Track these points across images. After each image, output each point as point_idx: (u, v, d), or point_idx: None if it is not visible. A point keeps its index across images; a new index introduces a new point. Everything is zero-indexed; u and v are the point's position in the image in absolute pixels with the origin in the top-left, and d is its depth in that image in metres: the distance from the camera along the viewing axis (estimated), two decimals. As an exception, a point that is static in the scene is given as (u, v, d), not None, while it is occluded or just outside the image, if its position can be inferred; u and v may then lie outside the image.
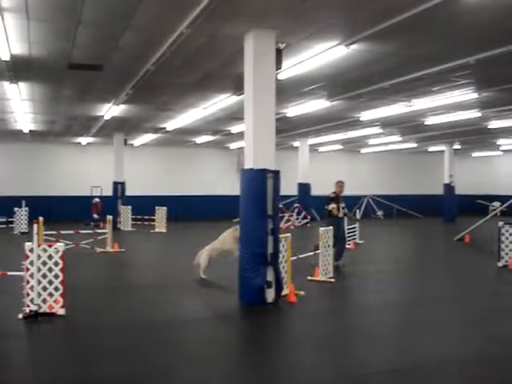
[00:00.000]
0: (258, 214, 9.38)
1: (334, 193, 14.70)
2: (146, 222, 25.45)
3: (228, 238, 12.18)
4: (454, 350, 7.10)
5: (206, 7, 8.08)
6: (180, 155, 32.05)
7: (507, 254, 13.96)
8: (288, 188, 26.81)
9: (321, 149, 33.30)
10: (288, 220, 26.87)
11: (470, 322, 8.70)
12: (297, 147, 30.11)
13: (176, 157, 32.05)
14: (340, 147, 32.41)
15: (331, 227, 12.52)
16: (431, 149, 34.40)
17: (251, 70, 9.76)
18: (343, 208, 14.38)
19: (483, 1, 8.00)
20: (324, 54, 10.83)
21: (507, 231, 14.05)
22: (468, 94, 15.39)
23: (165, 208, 24.27)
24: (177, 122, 21.20)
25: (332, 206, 14.33)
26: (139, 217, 26.04)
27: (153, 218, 24.89)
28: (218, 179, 31.69)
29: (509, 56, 10.93)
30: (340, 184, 14.92)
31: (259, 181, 9.41)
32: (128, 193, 26.55)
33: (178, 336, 7.83)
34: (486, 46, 10.63)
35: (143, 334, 7.82)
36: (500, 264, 13.95)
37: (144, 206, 25.98)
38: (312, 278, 11.78)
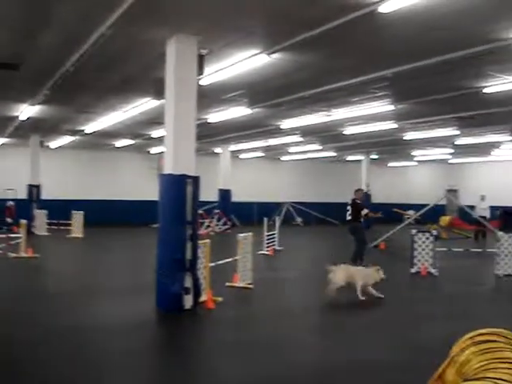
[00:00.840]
0: (176, 219, 9.31)
1: (356, 199, 15.44)
2: (62, 227, 24.72)
3: (373, 275, 11.29)
4: (365, 355, 7.25)
5: (128, 10, 7.97)
6: (99, 159, 31.35)
7: (419, 260, 14.44)
8: (209, 194, 26.87)
9: (242, 155, 33.48)
10: (208, 226, 26.80)
11: (382, 328, 8.92)
12: (218, 153, 30.14)
13: (95, 160, 31.33)
14: (261, 154, 32.69)
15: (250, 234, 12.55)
16: (349, 158, 35.24)
17: (172, 75, 9.70)
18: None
19: (400, 16, 8.26)
20: (245, 61, 10.91)
21: (420, 239, 14.54)
22: (385, 106, 15.89)
23: (82, 212, 23.67)
24: (96, 124, 20.77)
25: (366, 210, 15.38)
26: (55, 221, 25.26)
27: (69, 222, 24.21)
28: (137, 184, 31.22)
29: (423, 70, 11.37)
30: (360, 191, 16.56)
31: (178, 186, 9.35)
32: (44, 196, 25.76)
33: (88, 345, 7.55)
34: (403, 60, 11.01)
35: (51, 343, 7.52)
36: (413, 270, 14.41)
37: (60, 210, 25.24)
38: (231, 285, 11.78)
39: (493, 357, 3.67)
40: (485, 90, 13.37)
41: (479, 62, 11.06)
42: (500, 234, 14.55)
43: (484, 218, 22.99)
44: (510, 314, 10.10)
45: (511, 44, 9.47)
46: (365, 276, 11.24)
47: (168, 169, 9.60)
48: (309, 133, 22.38)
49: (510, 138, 22.85)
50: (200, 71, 10.15)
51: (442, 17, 8.40)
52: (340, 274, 11.05)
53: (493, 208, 26.46)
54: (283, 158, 35.25)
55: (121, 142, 26.99)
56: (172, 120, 9.64)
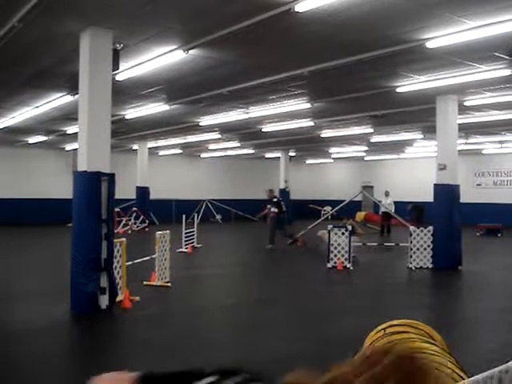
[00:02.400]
0: (91, 217, 9.08)
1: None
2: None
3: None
4: (281, 349, 7.33)
5: (40, 1, 7.72)
6: (11, 156, 30.06)
7: (336, 255, 14.76)
8: (126, 191, 26.41)
9: (160, 152, 33.11)
10: (126, 224, 26.36)
11: (298, 322, 9.06)
12: (136, 150, 29.68)
13: (6, 157, 30.01)
14: (180, 151, 32.45)
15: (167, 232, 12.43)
16: (268, 155, 35.55)
17: (87, 70, 9.45)
18: None
19: (316, 16, 8.38)
20: (163, 57, 10.78)
21: (335, 234, 14.86)
22: (302, 104, 16.11)
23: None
24: (7, 120, 19.97)
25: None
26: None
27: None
28: (52, 181, 30.23)
29: (339, 69, 11.61)
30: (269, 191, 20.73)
31: (93, 184, 9.12)
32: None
33: (0, 350, 7.25)
34: (319, 59, 11.20)
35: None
36: (329, 265, 14.71)
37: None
38: (148, 283, 11.63)
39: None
40: (398, 90, 13.80)
41: (392, 62, 11.40)
42: (412, 228, 15.06)
43: (388, 213, 23.75)
44: (422, 305, 10.48)
45: (422, 45, 9.81)
46: None
47: (82, 166, 9.36)
48: (227, 130, 22.41)
49: (421, 136, 23.70)
50: (115, 66, 9.95)
51: (356, 17, 8.59)
52: None
53: (404, 203, 27.44)
54: (202, 155, 35.15)
55: (34, 139, 26.08)
56: (86, 116, 9.40)
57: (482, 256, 18.10)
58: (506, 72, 11.74)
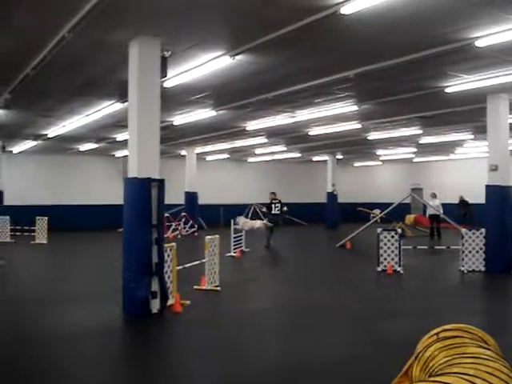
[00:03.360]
0: (141, 223, 9.23)
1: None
2: (26, 233, 24.29)
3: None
4: (332, 352, 7.31)
5: (89, 12, 7.90)
6: (63, 163, 30.82)
7: (385, 259, 14.61)
8: (175, 197, 26.74)
9: (208, 158, 33.41)
10: (175, 229, 26.67)
11: (349, 325, 9.00)
12: (184, 156, 30.02)
13: (58, 165, 30.80)
14: (227, 156, 32.66)
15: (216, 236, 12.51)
16: (315, 158, 35.44)
17: (135, 78, 9.64)
18: None
19: (362, 18, 8.33)
20: (209, 63, 10.88)
21: (385, 237, 14.71)
22: (349, 107, 16.01)
23: (46, 218, 23.28)
24: (59, 128, 20.48)
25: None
26: (19, 227, 24.79)
27: (33, 228, 23.79)
28: (102, 188, 30.85)
29: (386, 71, 11.50)
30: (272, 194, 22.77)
31: (143, 190, 9.27)
32: (7, 202, 25.30)
33: (52, 354, 7.37)
34: (365, 61, 11.14)
35: (16, 354, 7.27)
36: (379, 269, 14.57)
37: (24, 216, 24.78)
38: (198, 288, 11.74)
39: (457, 352, 3.73)
40: (446, 90, 13.58)
41: (440, 62, 11.24)
42: (463, 230, 14.79)
43: (437, 216, 23.34)
44: (475, 309, 10.29)
45: (471, 44, 9.64)
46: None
47: (132, 172, 9.52)
48: (274, 134, 22.45)
49: (472, 136, 23.25)
50: (163, 73, 10.09)
51: (402, 18, 8.50)
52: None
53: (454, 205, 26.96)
54: (249, 159, 35.29)
55: (85, 146, 26.68)
56: (135, 123, 9.56)
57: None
58: (559, 69, 11.43)
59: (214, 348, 7.64)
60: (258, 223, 21.58)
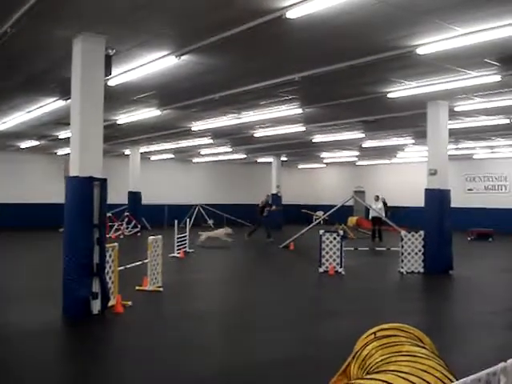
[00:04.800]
0: (83, 222, 9.09)
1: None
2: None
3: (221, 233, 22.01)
4: (274, 352, 7.37)
5: (32, 7, 7.75)
6: (2, 160, 29.99)
7: (327, 260, 14.80)
8: (118, 196, 26.43)
9: (153, 157, 33.13)
10: (118, 229, 26.34)
11: (291, 326, 9.08)
12: (128, 155, 29.68)
13: (-3, 162, 29.98)
14: (172, 156, 32.46)
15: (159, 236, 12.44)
16: (260, 160, 35.62)
17: (79, 75, 9.48)
18: None
19: (307, 22, 8.44)
20: (155, 63, 10.83)
21: (327, 239, 14.91)
22: (293, 109, 16.18)
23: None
24: (-1, 124, 19.96)
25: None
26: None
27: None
28: (44, 186, 30.11)
29: (330, 75, 11.68)
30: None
31: (85, 189, 9.14)
32: None
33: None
34: (310, 65, 11.29)
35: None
36: (321, 270, 14.75)
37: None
38: (140, 288, 11.64)
39: (394, 350, 3.83)
40: (389, 95, 13.89)
41: (383, 68, 11.50)
42: (403, 233, 15.13)
43: (379, 218, 23.72)
44: (413, 309, 10.55)
45: (413, 51, 9.89)
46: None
47: (74, 171, 9.37)
48: (219, 135, 22.46)
49: (412, 141, 23.82)
50: (107, 72, 9.97)
51: (347, 24, 8.66)
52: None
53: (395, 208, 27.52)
54: (194, 159, 35.18)
55: (26, 143, 26.03)
56: (78, 121, 9.41)
57: (473, 260, 18.21)
58: (496, 78, 11.85)
59: (154, 349, 7.58)
60: (219, 232, 22.85)
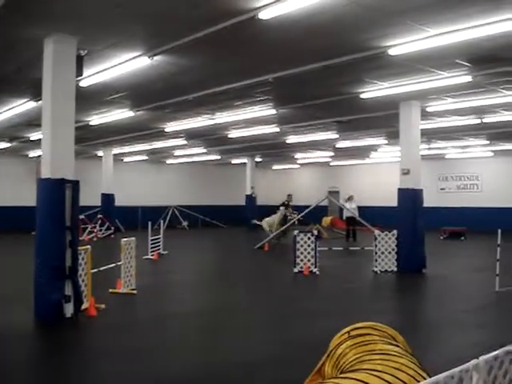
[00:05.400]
0: (54, 225, 8.98)
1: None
2: None
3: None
4: (250, 353, 7.36)
5: (2, 7, 7.64)
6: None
7: (302, 260, 14.84)
8: (91, 198, 26.18)
9: (126, 159, 32.88)
10: (91, 232, 26.10)
11: (266, 326, 9.09)
12: (101, 157, 29.43)
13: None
14: (145, 157, 32.26)
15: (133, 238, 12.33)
16: (234, 161, 35.60)
17: (50, 76, 9.37)
18: None
19: (280, 23, 8.46)
20: (127, 63, 10.75)
21: (302, 239, 14.95)
22: (267, 110, 16.20)
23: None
24: (-32, 126, 19.63)
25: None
26: None
27: None
28: (15, 189, 29.70)
29: (304, 76, 11.71)
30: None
31: (56, 191, 9.02)
32: None
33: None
34: (284, 66, 11.30)
35: None
36: (296, 270, 14.78)
37: None
38: (114, 291, 11.54)
39: (367, 349, 3.85)
40: (362, 96, 13.98)
41: (356, 69, 11.56)
42: (376, 232, 15.23)
43: (353, 218, 23.83)
44: (387, 308, 10.63)
45: (385, 52, 9.97)
46: None
47: (46, 173, 9.25)
48: (193, 136, 22.39)
49: (385, 141, 24.01)
50: (79, 72, 9.89)
51: (320, 25, 8.69)
52: None
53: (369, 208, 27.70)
54: (168, 161, 35.02)
55: (-4, 145, 25.66)
56: (49, 122, 9.30)
57: (445, 259, 18.39)
58: (467, 78, 11.99)
59: (127, 351, 7.53)
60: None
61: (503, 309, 10.46)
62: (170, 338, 8.25)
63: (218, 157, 32.08)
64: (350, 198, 25.38)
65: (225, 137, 22.36)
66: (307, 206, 22.31)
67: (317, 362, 4.45)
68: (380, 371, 3.37)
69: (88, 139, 22.63)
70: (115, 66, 11.01)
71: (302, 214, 22.37)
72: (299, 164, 38.62)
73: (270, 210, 34.24)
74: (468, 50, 10.08)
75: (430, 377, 3.07)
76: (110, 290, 11.55)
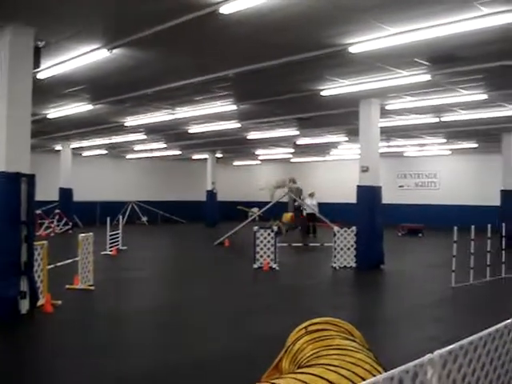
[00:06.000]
0: (9, 220, 8.78)
1: None
2: None
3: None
4: (210, 349, 7.33)
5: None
6: None
7: (262, 256, 14.86)
8: (49, 193, 25.74)
9: (85, 153, 32.38)
10: (48, 227, 25.65)
11: (226, 322, 9.07)
12: (59, 150, 28.93)
13: None
14: (105, 152, 31.83)
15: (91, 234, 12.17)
16: (195, 156, 35.43)
17: (6, 67, 9.13)
18: None
19: (241, 18, 8.42)
20: (86, 55, 10.56)
21: (262, 235, 14.97)
22: (228, 106, 16.14)
23: None
24: None
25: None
26: None
27: None
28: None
29: (265, 72, 11.70)
30: None
31: (11, 185, 8.82)
32: None
33: None
34: (245, 61, 11.26)
35: None
36: (255, 266, 14.80)
37: None
38: (71, 287, 11.37)
39: (324, 344, 3.86)
40: (322, 93, 14.03)
41: (317, 66, 11.60)
42: (336, 228, 15.35)
43: (313, 214, 24.04)
44: (345, 304, 10.74)
45: (346, 49, 10.02)
46: None
47: (0, 166, 9.04)
48: (153, 131, 22.19)
49: (346, 138, 24.20)
50: (36, 64, 9.69)
51: (281, 21, 8.68)
52: None
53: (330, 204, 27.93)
54: (128, 156, 34.64)
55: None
56: (4, 114, 9.06)
57: (403, 255, 18.67)
58: (426, 77, 12.16)
59: (84, 348, 7.42)
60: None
61: (459, 304, 10.67)
62: (128, 335, 8.17)
63: (179, 152, 31.86)
64: (311, 195, 25.59)
65: (185, 132, 22.21)
66: (268, 202, 22.37)
67: (275, 358, 4.45)
68: (337, 366, 3.39)
69: (46, 133, 22.22)
70: (74, 58, 10.80)
71: (263, 210, 22.40)
72: (260, 160, 38.66)
73: (231, 205, 34.34)
74: (427, 49, 10.21)
75: (386, 371, 3.09)
76: (67, 286, 11.38)
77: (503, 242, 14.59)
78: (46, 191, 27.75)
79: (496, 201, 21.98)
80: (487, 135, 22.02)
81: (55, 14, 8.60)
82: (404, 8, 8.12)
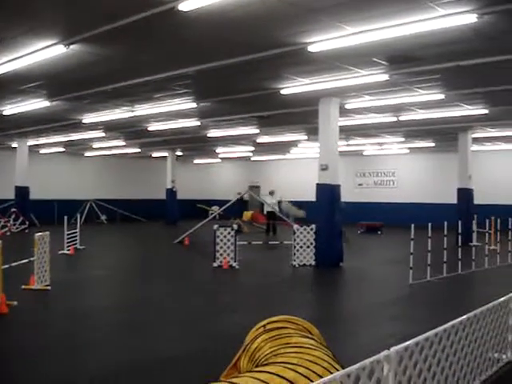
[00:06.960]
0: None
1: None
2: None
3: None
4: (169, 348, 7.28)
5: None
6: None
7: (221, 254, 14.84)
8: (4, 191, 25.25)
9: (42, 150, 31.81)
10: (4, 226, 25.12)
11: (185, 321, 9.02)
12: (15, 148, 28.33)
13: None
14: (62, 149, 31.33)
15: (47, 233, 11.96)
16: (155, 154, 35.18)
17: (-42, 62, 8.93)
18: None
19: (200, 15, 8.37)
20: (42, 51, 10.37)
21: (221, 233, 14.94)
22: (188, 103, 16.07)
23: None
24: None
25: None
26: None
27: None
28: None
29: (224, 70, 11.69)
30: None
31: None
32: None
33: None
34: (204, 59, 11.23)
35: None
36: (215, 264, 14.76)
37: None
38: (27, 287, 11.14)
39: (282, 342, 3.87)
40: (282, 92, 14.08)
41: (276, 64, 11.63)
42: (295, 226, 15.42)
43: (273, 213, 24.14)
44: (304, 302, 10.80)
45: (305, 48, 10.07)
46: None
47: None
48: (112, 128, 21.94)
49: (305, 137, 24.34)
50: (-9, 59, 9.48)
51: (241, 19, 8.68)
52: None
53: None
54: (86, 153, 34.16)
55: None
56: (-42, 110, 8.88)
57: (362, 252, 18.87)
58: (384, 77, 12.31)
59: (40, 349, 7.28)
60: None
61: (416, 301, 10.83)
62: (86, 335, 8.05)
63: (138, 150, 31.59)
64: (271, 193, 25.68)
65: (145, 129, 22.04)
66: (228, 201, 22.35)
67: (233, 356, 4.45)
68: (295, 364, 3.40)
69: (1, 129, 21.79)
70: (30, 53, 10.60)
71: (223, 208, 22.37)
72: (220, 158, 38.63)
73: (191, 204, 34.21)
74: (385, 49, 10.33)
75: (344, 369, 3.12)
76: (23, 286, 11.15)
77: (459, 239, 14.90)
78: (2, 189, 27.27)
79: (453, 199, 22.41)
80: (444, 134, 22.44)
81: (10, 8, 8.41)
82: (362, 8, 8.20)
